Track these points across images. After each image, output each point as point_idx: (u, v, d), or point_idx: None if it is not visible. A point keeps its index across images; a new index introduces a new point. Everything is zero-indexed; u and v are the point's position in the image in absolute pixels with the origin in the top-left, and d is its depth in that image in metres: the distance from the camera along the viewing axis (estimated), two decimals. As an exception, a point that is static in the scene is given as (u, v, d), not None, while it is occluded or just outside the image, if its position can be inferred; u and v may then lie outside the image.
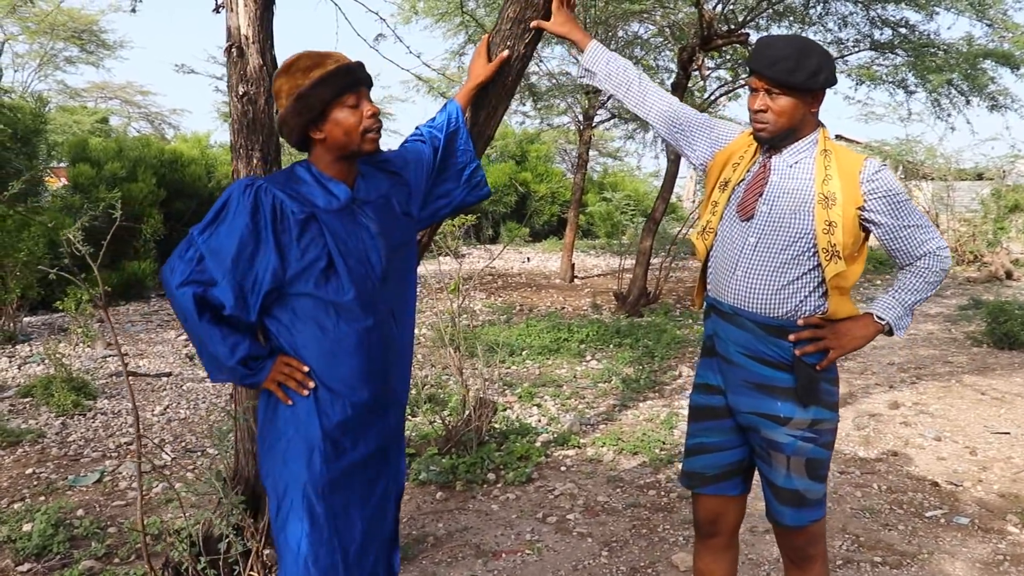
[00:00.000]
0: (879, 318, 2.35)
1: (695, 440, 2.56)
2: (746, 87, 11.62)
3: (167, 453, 4.60)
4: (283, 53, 2.67)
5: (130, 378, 6.81)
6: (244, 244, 2.05)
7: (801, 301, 2.31)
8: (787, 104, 2.27)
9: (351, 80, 2.13)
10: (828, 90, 2.34)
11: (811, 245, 2.28)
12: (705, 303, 2.58)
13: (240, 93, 3.14)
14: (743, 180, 2.42)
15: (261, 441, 2.24)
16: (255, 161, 3.15)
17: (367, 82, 2.19)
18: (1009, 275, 14.31)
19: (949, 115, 10.60)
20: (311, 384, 2.12)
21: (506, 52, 2.78)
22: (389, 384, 2.25)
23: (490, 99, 2.78)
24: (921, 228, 2.32)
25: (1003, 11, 9.16)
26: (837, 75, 2.34)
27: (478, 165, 2.62)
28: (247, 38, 3.15)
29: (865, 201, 2.28)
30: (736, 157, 2.48)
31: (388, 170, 2.37)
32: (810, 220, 2.28)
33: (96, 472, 4.66)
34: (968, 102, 10.33)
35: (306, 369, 2.12)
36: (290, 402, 2.14)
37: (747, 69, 11.97)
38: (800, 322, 2.31)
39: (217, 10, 3.30)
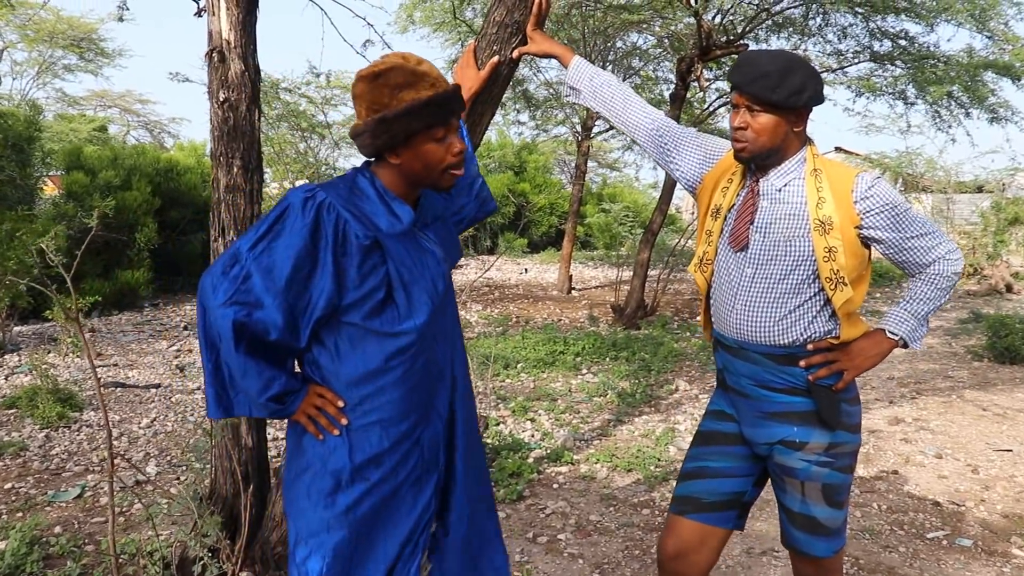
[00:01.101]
0: (892, 333, 2.25)
1: (697, 464, 2.43)
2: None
3: (140, 471, 4.48)
4: (267, 58, 2.55)
5: (118, 390, 6.76)
6: (301, 264, 1.85)
7: (807, 326, 2.21)
8: (768, 122, 2.16)
9: (445, 113, 1.92)
10: (820, 106, 2.22)
11: (811, 272, 2.18)
12: (713, 336, 2.46)
13: (221, 99, 3.05)
14: (733, 206, 2.31)
15: (288, 470, 2.08)
16: (235, 170, 3.06)
17: (460, 110, 1.99)
18: (1009, 288, 14.22)
19: (950, 127, 10.53)
20: (343, 421, 1.95)
21: (497, 58, 2.68)
22: (430, 407, 2.07)
23: (476, 107, 2.69)
24: (927, 235, 2.21)
25: (1004, 22, 9.10)
26: (824, 94, 2.21)
27: (483, 179, 2.50)
28: (229, 43, 3.06)
29: (862, 219, 2.16)
30: (724, 180, 2.36)
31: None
32: (808, 247, 2.16)
33: (77, 487, 4.55)
34: (968, 114, 10.26)
35: (341, 404, 1.95)
36: (320, 437, 1.97)
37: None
38: (810, 347, 2.20)
39: (199, 14, 3.22)
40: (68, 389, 6.22)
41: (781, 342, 2.22)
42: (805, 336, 2.21)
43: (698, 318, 11.10)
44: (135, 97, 27.91)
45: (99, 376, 7.22)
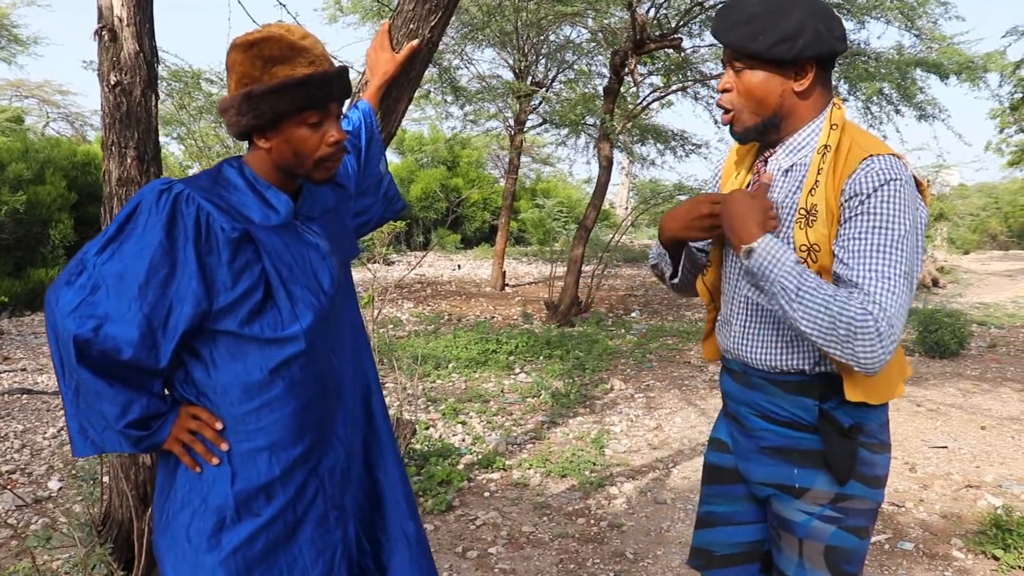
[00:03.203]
0: (756, 243, 1.63)
1: (705, 508, 2.03)
2: (679, 94, 11.52)
3: (18, 496, 4.13)
4: (165, 38, 2.26)
5: (23, 397, 6.34)
6: (155, 267, 1.58)
7: (817, 349, 1.72)
8: (755, 81, 1.70)
9: (321, 96, 1.66)
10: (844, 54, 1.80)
11: None
12: (721, 356, 2.02)
13: (112, 83, 2.77)
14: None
15: (159, 511, 1.75)
16: (129, 161, 2.78)
17: (343, 96, 1.72)
18: (935, 283, 14.50)
19: (881, 123, 10.61)
20: (223, 446, 1.68)
21: (416, 42, 2.46)
22: (328, 431, 1.79)
23: (391, 91, 2.46)
24: (880, 271, 1.56)
25: (933, 20, 9.18)
26: (840, 38, 1.70)
27: (392, 177, 2.26)
28: (121, 20, 2.77)
29: (840, 207, 1.65)
30: (738, 166, 1.93)
31: (335, 181, 1.93)
32: (789, 245, 1.70)
33: (-32, 506, 4.19)
34: (898, 111, 10.35)
35: (219, 426, 1.67)
36: (198, 469, 1.68)
37: (689, 66, 11.90)
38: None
39: (89, -11, 2.92)
40: (-34, 397, 5.81)
41: (788, 368, 1.77)
42: (820, 363, 1.73)
43: (680, 324, 11.00)
44: (54, 87, 26.78)
45: (7, 381, 6.79)
